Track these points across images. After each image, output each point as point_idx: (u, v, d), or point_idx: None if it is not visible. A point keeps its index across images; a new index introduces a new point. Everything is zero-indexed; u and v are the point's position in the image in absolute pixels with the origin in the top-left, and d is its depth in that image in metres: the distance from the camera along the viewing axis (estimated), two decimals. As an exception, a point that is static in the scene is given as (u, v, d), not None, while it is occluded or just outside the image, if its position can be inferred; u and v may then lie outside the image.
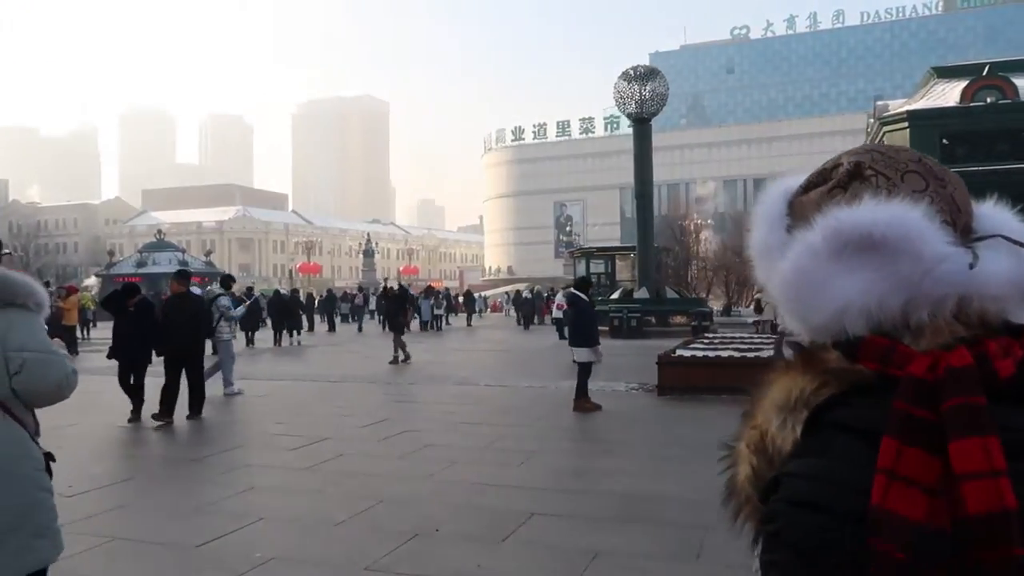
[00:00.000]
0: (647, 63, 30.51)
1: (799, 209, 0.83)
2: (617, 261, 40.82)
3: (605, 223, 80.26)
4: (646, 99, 24.98)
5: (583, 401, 9.57)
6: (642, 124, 25.62)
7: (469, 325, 33.84)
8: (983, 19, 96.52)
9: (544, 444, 7.62)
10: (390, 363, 15.75)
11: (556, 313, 23.67)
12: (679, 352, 11.44)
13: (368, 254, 57.31)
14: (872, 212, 0.74)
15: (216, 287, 12.39)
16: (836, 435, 0.70)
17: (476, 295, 45.67)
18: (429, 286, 35.26)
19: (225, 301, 11.52)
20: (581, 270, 44.11)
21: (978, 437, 0.64)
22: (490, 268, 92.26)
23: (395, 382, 12.88)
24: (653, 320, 25.67)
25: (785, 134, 78.74)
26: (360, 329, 30.73)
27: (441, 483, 6.03)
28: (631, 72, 25.43)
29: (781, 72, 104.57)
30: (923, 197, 0.77)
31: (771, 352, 11.33)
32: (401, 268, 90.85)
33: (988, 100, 31.09)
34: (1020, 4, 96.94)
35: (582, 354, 9.53)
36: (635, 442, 7.59)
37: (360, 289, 39.66)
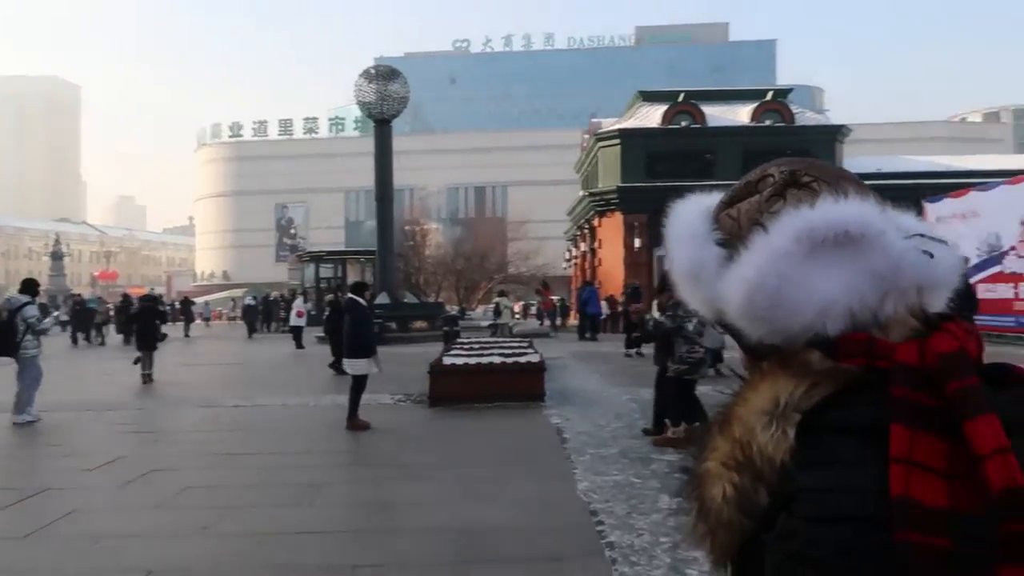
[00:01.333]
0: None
1: (727, 222, 0.83)
2: (348, 265, 39.84)
3: (330, 227, 78.19)
4: (387, 99, 24.39)
5: (356, 419, 8.74)
6: (383, 125, 25.00)
7: (187, 336, 30.62)
8: (666, 55, 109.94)
9: (330, 474, 6.71)
10: (145, 383, 13.78)
11: (295, 320, 22.14)
12: (447, 360, 11.01)
13: (56, 256, 49.76)
14: (842, 209, 0.74)
15: (18, 295, 9.75)
16: (842, 439, 0.70)
17: (200, 301, 41.74)
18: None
19: (33, 311, 9.55)
20: (309, 275, 42.47)
21: (986, 416, 0.65)
22: (203, 272, 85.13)
23: (122, 407, 10.88)
24: (394, 326, 25.18)
25: (505, 145, 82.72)
26: (82, 341, 26.73)
27: (222, 538, 4.93)
28: (372, 71, 24.69)
29: (500, 86, 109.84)
30: (868, 199, 0.78)
31: (536, 357, 11.36)
32: (97, 273, 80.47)
33: (683, 124, 35.06)
34: (694, 46, 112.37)
35: (359, 366, 8.69)
36: (431, 463, 6.97)
37: (72, 295, 34.37)
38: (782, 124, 34.86)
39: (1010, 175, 21.68)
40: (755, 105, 35.69)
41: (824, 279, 0.74)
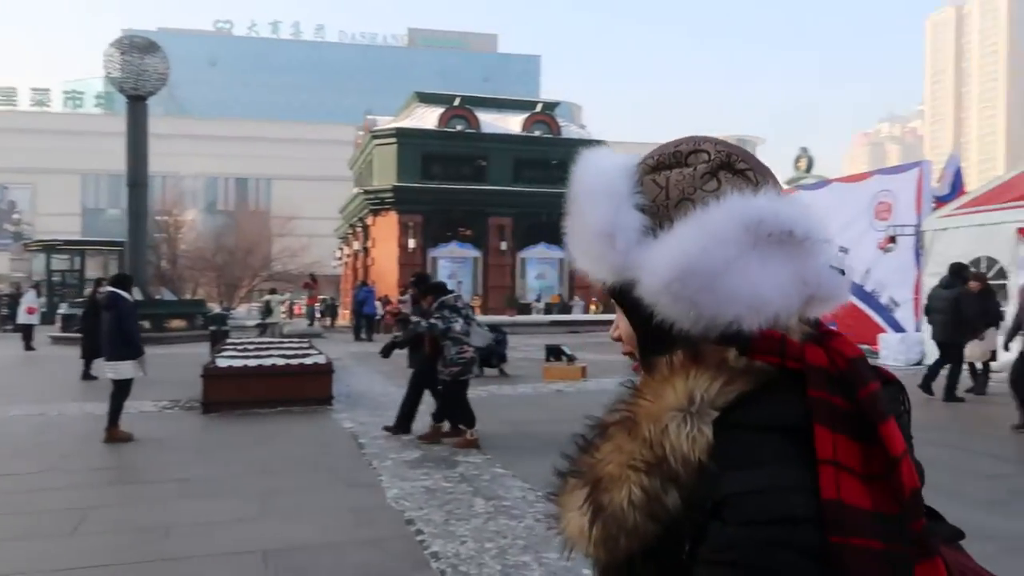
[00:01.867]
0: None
1: (653, 188, 0.78)
2: (88, 257, 35.66)
3: (63, 213, 69.53)
4: (143, 74, 22.02)
5: (116, 429, 7.69)
6: (138, 102, 22.55)
7: None
8: (438, 59, 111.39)
9: (95, 495, 5.77)
10: None
11: (25, 318, 19.20)
12: (223, 362, 10.07)
13: None
14: (790, 209, 0.73)
15: None
16: (765, 437, 0.68)
17: None
18: None
19: None
20: (39, 266, 37.37)
21: (893, 420, 0.68)
22: None
23: None
24: (148, 325, 22.82)
25: (270, 136, 78.80)
26: None
27: (-41, 582, 4.00)
28: (127, 42, 22.17)
29: (266, 74, 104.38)
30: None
31: (322, 357, 10.77)
32: None
33: (458, 128, 35.58)
34: (465, 53, 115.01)
35: (124, 368, 7.63)
36: (217, 476, 6.26)
37: None
38: (550, 136, 36.65)
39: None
40: (526, 115, 37.20)
41: (761, 275, 0.71)
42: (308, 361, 10.14)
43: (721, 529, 0.66)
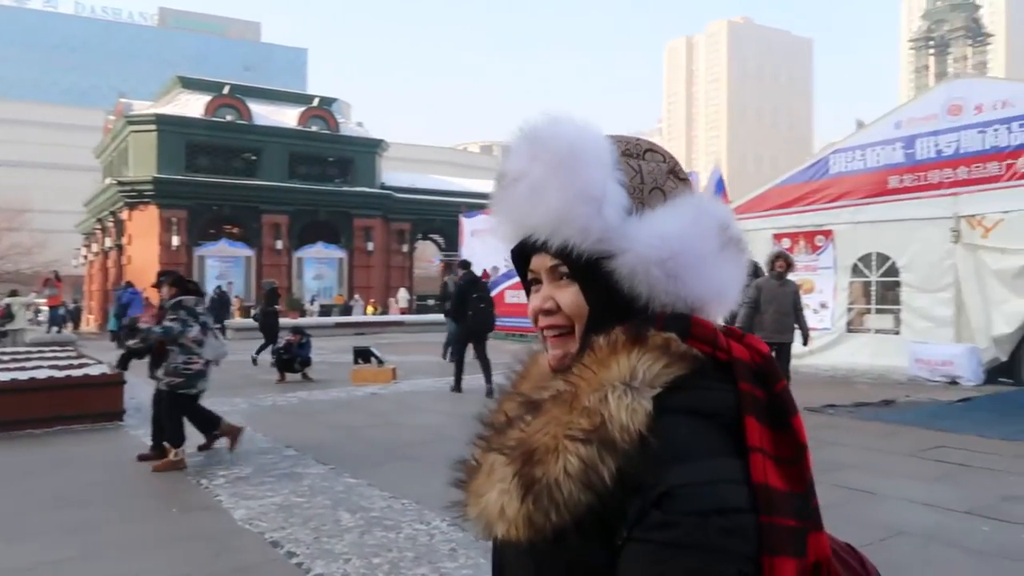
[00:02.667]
0: None
1: (630, 170, 0.81)
2: None
3: None
4: None
5: None
6: None
7: None
8: (194, 43, 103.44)
9: None
10: None
11: None
12: (-19, 377, 8.49)
13: None
14: (735, 219, 0.85)
15: None
16: (701, 424, 0.73)
17: None
18: None
19: None
20: None
21: (799, 414, 0.78)
22: None
23: None
24: None
25: (-12, 116, 68.46)
26: None
27: None
28: None
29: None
30: None
31: (104, 367, 9.48)
32: None
33: (228, 118, 33.27)
34: (225, 39, 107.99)
35: None
36: (11, 513, 5.18)
37: None
38: (328, 131, 35.48)
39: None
40: (302, 109, 35.71)
41: (725, 270, 0.81)
42: (94, 371, 8.87)
43: (663, 516, 0.68)
